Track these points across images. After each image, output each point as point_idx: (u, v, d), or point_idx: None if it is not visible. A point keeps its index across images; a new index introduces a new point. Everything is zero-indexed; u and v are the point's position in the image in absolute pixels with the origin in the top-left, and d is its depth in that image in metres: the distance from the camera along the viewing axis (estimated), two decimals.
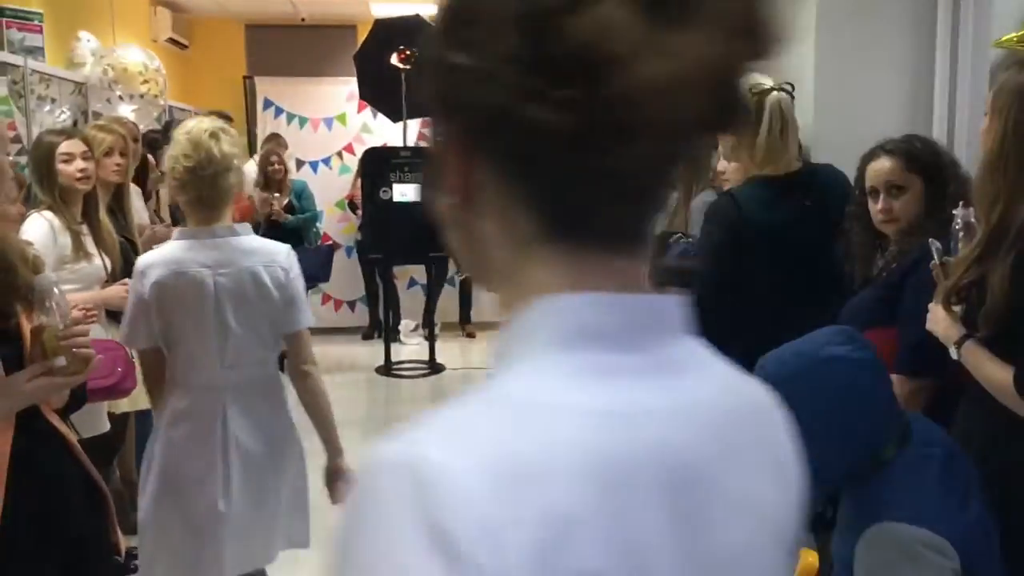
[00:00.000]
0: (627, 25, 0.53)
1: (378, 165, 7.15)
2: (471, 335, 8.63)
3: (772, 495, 0.65)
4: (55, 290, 1.83)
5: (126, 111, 5.12)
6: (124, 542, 2.05)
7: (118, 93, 5.19)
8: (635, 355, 0.59)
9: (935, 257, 1.99)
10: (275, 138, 7.66)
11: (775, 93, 2.59)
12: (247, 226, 2.49)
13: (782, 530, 0.65)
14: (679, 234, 3.32)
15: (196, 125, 2.37)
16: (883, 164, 2.33)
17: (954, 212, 2.00)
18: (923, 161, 2.30)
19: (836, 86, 3.12)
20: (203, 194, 2.35)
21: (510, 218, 0.61)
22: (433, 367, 7.34)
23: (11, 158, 3.29)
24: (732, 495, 0.62)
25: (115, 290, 3.19)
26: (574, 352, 0.59)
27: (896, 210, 2.30)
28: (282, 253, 2.47)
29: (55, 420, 1.86)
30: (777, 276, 2.59)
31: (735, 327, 2.52)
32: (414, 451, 0.54)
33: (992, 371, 1.70)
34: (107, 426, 3.17)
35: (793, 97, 2.66)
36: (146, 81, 5.35)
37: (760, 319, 2.51)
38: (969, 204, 1.94)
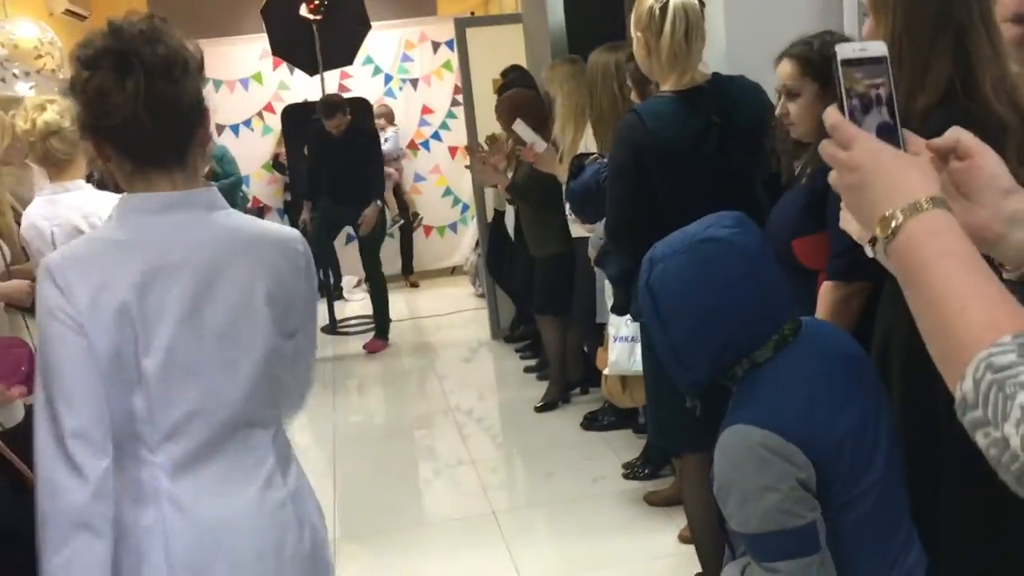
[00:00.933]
0: (108, 81, 1.36)
1: (299, 122, 6.98)
2: (414, 284, 8.56)
3: (263, 281, 1.48)
4: None
5: (23, 89, 4.90)
6: None
7: (14, 71, 4.96)
8: (163, 217, 1.44)
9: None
10: None
11: None
12: (78, 182, 3.01)
13: (273, 299, 1.49)
14: (595, 155, 3.28)
15: (30, 101, 3.11)
16: (783, 67, 2.30)
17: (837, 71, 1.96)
18: (816, 65, 2.24)
19: None
20: (36, 157, 3.04)
21: (120, 166, 1.45)
22: None
23: None
24: (234, 279, 1.46)
25: (16, 285, 2.87)
26: (128, 219, 1.46)
27: (792, 115, 2.27)
28: (105, 207, 2.77)
29: None
30: (686, 195, 2.54)
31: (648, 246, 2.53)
32: (51, 255, 1.46)
33: None
34: (21, 415, 3.04)
35: (703, 5, 2.61)
36: (40, 56, 5.11)
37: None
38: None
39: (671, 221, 2.55)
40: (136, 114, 1.36)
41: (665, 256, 1.65)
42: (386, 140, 8.12)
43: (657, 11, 2.52)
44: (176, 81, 1.39)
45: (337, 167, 6.36)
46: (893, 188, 0.89)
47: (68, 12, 7.37)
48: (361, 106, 7.41)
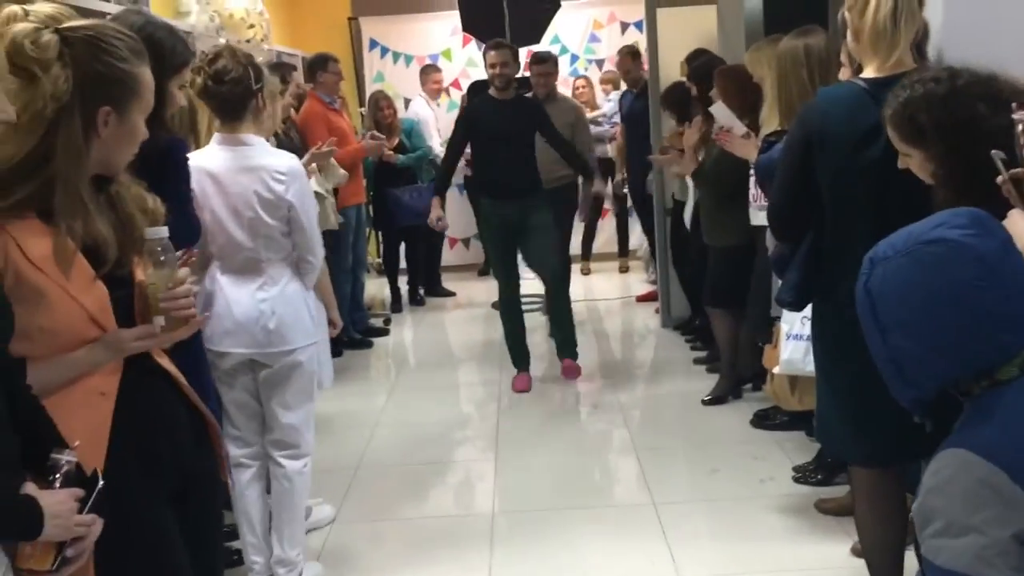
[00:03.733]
0: (195, 76, 2.88)
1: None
2: (586, 272, 8.47)
3: (256, 185, 2.94)
4: (162, 247, 1.79)
5: None
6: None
7: (224, 40, 5.23)
8: (220, 147, 2.99)
9: (1001, 170, 1.77)
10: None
11: None
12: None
13: (260, 195, 2.94)
14: (783, 131, 3.14)
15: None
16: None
17: (1013, 117, 1.80)
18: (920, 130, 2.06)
19: None
20: None
21: (215, 118, 3.09)
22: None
23: None
24: (242, 182, 2.95)
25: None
26: (211, 146, 3.04)
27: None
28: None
29: (160, 357, 1.87)
30: (844, 190, 2.41)
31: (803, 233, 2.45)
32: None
33: None
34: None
35: None
36: (251, 26, 5.38)
37: (825, 232, 2.47)
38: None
39: (827, 214, 2.44)
40: (204, 95, 2.94)
41: (887, 257, 1.44)
42: (609, 99, 8.18)
43: None
44: (222, 82, 2.89)
45: (503, 150, 5.21)
46: None
47: None
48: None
